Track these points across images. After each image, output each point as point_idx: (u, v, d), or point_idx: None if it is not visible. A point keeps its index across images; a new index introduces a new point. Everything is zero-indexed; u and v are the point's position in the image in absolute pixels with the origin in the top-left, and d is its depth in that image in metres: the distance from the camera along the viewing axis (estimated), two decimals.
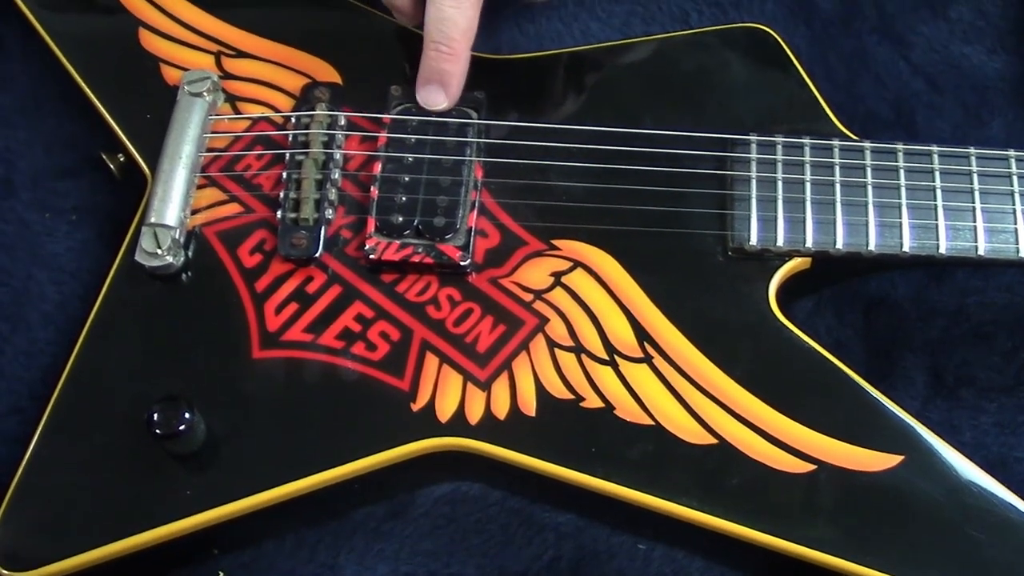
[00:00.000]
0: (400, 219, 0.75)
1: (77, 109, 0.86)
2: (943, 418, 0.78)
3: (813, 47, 0.91)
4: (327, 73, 0.82)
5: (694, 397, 0.71)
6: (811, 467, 0.69)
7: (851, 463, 0.69)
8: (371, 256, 0.75)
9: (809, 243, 0.74)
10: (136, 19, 0.84)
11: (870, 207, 0.75)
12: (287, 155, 0.78)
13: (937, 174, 0.75)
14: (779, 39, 0.82)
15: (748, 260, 0.75)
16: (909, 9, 0.92)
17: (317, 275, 0.75)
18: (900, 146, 0.76)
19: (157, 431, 0.69)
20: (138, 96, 0.81)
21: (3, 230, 0.85)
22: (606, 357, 0.73)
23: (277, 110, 0.81)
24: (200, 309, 0.75)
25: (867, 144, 0.77)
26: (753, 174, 0.76)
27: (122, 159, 0.81)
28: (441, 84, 0.78)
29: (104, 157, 0.82)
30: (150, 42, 0.83)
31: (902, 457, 0.69)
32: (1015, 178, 0.75)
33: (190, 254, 0.76)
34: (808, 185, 0.75)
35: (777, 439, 0.70)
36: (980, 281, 0.82)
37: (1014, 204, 0.75)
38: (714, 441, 0.70)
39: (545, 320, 0.74)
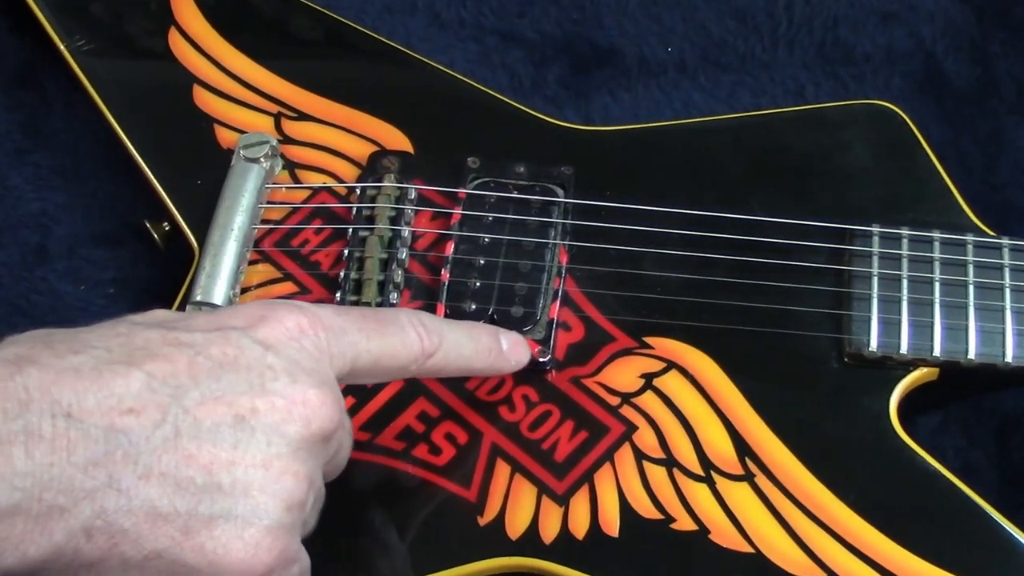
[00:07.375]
0: (473, 307, 0.75)
1: (121, 171, 0.88)
2: None
3: (944, 128, 0.91)
4: (397, 140, 0.82)
5: (800, 523, 0.70)
6: None
7: None
8: None
9: (937, 351, 0.73)
10: (190, 75, 0.86)
11: (1007, 313, 0.73)
12: (349, 231, 0.78)
13: None
14: (906, 118, 0.82)
15: (866, 368, 0.74)
16: None
17: None
18: None
19: None
20: (188, 159, 0.82)
21: (33, 301, 0.86)
22: (701, 473, 0.71)
23: (340, 180, 0.81)
24: None
25: (1006, 241, 0.76)
26: (875, 271, 0.75)
27: (167, 228, 0.82)
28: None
29: (148, 225, 0.83)
30: (204, 100, 0.84)
31: None
32: None
33: None
34: (937, 285, 0.74)
35: (895, 575, 0.68)
36: None
37: None
38: (822, 574, 0.68)
39: (633, 428, 0.73)
